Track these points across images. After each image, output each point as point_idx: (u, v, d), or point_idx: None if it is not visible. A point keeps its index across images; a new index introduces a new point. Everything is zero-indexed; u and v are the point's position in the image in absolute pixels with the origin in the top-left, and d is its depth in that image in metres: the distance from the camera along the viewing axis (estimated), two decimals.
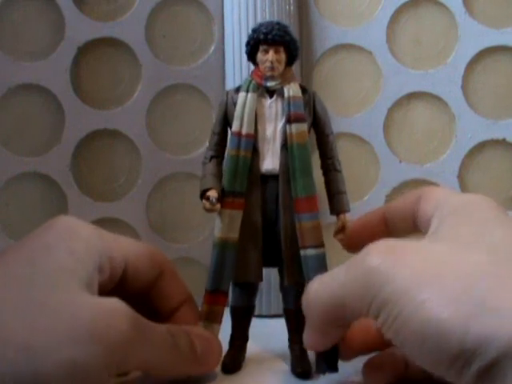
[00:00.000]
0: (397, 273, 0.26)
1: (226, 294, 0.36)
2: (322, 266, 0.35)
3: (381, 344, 0.33)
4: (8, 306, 0.26)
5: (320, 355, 0.34)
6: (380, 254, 0.27)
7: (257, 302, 0.38)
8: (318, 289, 0.30)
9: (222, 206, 0.35)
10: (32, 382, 0.25)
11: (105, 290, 0.32)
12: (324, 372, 0.34)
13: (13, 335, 0.25)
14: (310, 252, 0.35)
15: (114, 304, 0.28)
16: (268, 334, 0.41)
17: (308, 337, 0.32)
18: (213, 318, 0.36)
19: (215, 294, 0.36)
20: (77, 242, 0.30)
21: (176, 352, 0.31)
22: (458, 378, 0.24)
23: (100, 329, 0.27)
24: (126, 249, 0.33)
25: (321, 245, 0.35)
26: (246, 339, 0.37)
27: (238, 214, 0.35)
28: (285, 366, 0.36)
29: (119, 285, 0.33)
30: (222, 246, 0.35)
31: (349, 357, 0.35)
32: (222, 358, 0.35)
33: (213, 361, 0.34)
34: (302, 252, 0.35)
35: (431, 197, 0.33)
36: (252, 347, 0.36)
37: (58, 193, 0.50)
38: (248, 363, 0.37)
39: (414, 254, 0.27)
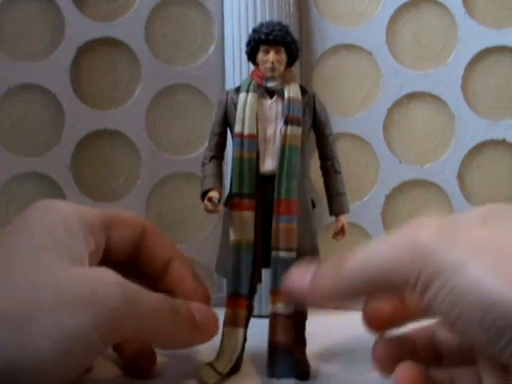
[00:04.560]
0: (452, 245, 0.25)
1: (247, 296, 0.36)
2: (290, 270, 0.35)
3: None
4: None
5: (274, 357, 0.34)
6: (433, 228, 0.26)
7: (256, 302, 0.38)
8: (366, 253, 0.28)
9: (230, 208, 0.35)
10: (18, 349, 0.24)
11: (95, 259, 0.32)
12: (279, 377, 0.34)
13: None
14: (282, 254, 0.35)
15: (100, 271, 0.28)
16: (267, 334, 0.41)
17: (329, 289, 0.29)
18: (236, 323, 0.36)
19: (235, 297, 0.36)
20: (55, 219, 0.30)
21: (173, 319, 0.31)
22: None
23: (85, 295, 0.26)
24: (104, 219, 0.34)
25: (293, 249, 0.35)
26: (245, 339, 0.37)
27: (249, 216, 0.35)
28: None
29: (106, 256, 0.33)
30: (237, 249, 0.35)
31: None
32: (218, 330, 0.34)
33: (211, 328, 0.34)
34: (274, 253, 0.35)
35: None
36: (251, 347, 0.36)
37: (57, 193, 0.50)
38: (247, 363, 0.37)
39: (466, 229, 0.26)
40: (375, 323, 0.32)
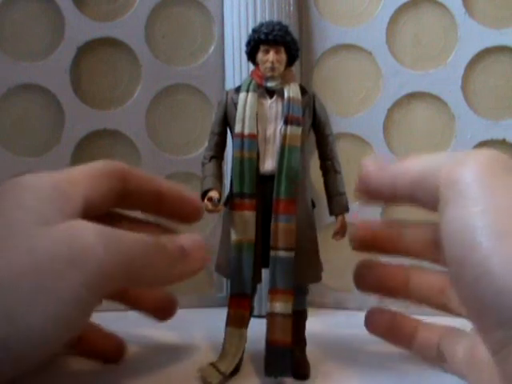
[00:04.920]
0: (489, 195, 0.25)
1: (249, 296, 0.36)
2: (289, 269, 0.35)
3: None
4: None
5: (271, 356, 0.35)
6: (481, 167, 0.26)
7: (256, 302, 0.38)
8: (423, 160, 0.29)
9: (231, 208, 0.35)
10: (5, 320, 0.24)
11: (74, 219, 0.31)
12: (276, 376, 0.34)
13: None
14: (281, 254, 0.35)
15: (72, 224, 0.27)
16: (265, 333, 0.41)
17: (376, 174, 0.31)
18: (239, 323, 0.36)
19: (238, 297, 0.36)
20: (22, 192, 0.29)
21: (161, 251, 0.30)
22: (498, 329, 0.23)
23: (62, 252, 0.26)
24: (77, 177, 0.32)
25: (291, 248, 0.35)
26: (245, 341, 0.37)
27: (250, 215, 0.35)
28: None
29: (89, 213, 0.32)
30: (239, 249, 0.35)
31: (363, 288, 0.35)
32: (209, 257, 0.34)
33: (201, 255, 0.33)
34: (273, 253, 0.35)
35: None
36: (251, 347, 0.36)
37: None
38: (247, 363, 0.37)
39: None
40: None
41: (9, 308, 0.24)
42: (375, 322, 0.35)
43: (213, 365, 0.35)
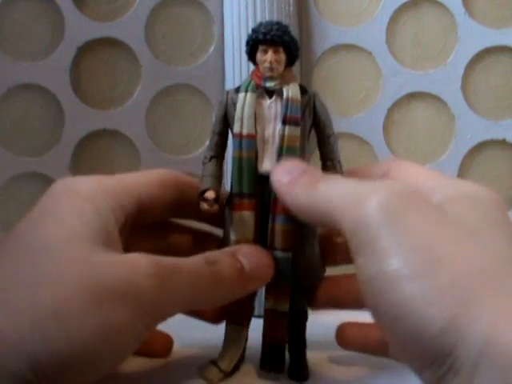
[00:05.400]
0: (393, 235, 0.24)
1: (249, 295, 0.35)
2: (286, 269, 0.35)
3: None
4: (29, 277, 0.26)
5: (267, 352, 0.35)
6: (386, 203, 0.25)
7: (256, 303, 0.38)
8: (322, 188, 0.29)
9: (231, 209, 0.35)
10: (64, 344, 0.25)
11: (126, 230, 0.32)
12: (270, 370, 0.35)
13: (40, 301, 0.25)
14: (278, 254, 0.35)
15: (132, 259, 0.28)
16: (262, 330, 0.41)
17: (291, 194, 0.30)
18: (239, 321, 0.36)
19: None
20: (80, 200, 0.30)
21: (216, 280, 0.30)
22: (426, 370, 0.23)
23: (121, 286, 0.26)
24: (133, 187, 0.33)
25: (289, 249, 0.35)
26: (246, 339, 0.37)
27: (249, 215, 0.35)
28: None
29: (140, 219, 0.33)
30: None
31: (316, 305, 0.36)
32: (273, 271, 0.34)
33: (264, 274, 0.33)
34: (270, 253, 0.35)
35: (408, 175, 0.31)
36: (251, 347, 0.36)
37: None
38: (247, 363, 0.37)
39: (424, 216, 0.25)
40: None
41: (69, 334, 0.25)
42: (345, 336, 0.35)
43: (213, 363, 0.35)
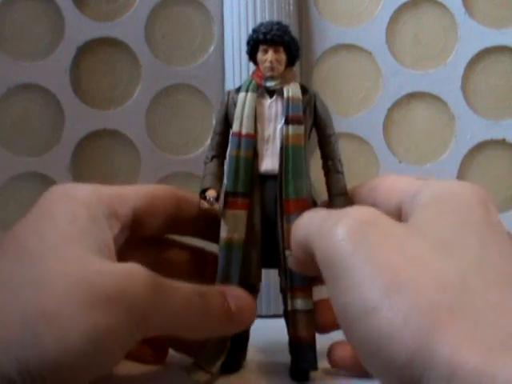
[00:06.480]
0: (356, 263, 0.24)
1: None
2: None
3: None
4: (23, 277, 0.26)
5: (298, 353, 0.35)
6: (349, 231, 0.25)
7: (260, 303, 0.38)
8: (299, 225, 0.30)
9: (225, 207, 0.35)
10: (55, 347, 0.24)
11: (120, 240, 0.32)
12: (303, 369, 0.35)
13: (30, 303, 0.25)
14: None
15: (130, 268, 0.28)
16: (268, 334, 0.41)
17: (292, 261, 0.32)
18: None
19: None
20: (77, 207, 0.30)
21: (204, 313, 0.30)
22: None
23: (117, 293, 0.26)
24: (129, 197, 0.33)
25: None
26: (247, 339, 0.37)
27: (241, 214, 0.35)
28: (285, 367, 0.36)
29: (136, 231, 0.34)
30: (228, 247, 0.35)
31: (324, 330, 0.35)
32: (255, 317, 0.34)
33: (247, 318, 0.33)
34: (288, 252, 0.35)
35: (392, 188, 0.32)
36: (252, 347, 0.36)
37: None
38: (248, 363, 0.37)
39: (386, 242, 0.24)
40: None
41: (62, 338, 0.25)
42: (337, 357, 0.35)
43: (196, 363, 0.35)
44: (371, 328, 0.22)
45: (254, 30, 0.36)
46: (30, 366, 0.24)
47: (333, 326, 0.35)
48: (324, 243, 0.26)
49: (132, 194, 0.34)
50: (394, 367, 0.22)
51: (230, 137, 0.36)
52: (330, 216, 0.27)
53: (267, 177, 0.35)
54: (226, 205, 0.35)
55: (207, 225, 0.37)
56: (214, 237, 0.36)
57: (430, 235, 0.25)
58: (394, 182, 0.33)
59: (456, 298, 0.22)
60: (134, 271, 0.28)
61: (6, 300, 0.26)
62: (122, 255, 0.32)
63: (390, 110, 0.51)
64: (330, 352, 0.35)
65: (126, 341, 0.27)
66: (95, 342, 0.25)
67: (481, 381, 0.19)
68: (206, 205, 0.35)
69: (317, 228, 0.27)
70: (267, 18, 0.47)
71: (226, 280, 0.35)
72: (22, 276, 0.26)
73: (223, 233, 0.35)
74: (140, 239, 0.35)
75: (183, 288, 0.30)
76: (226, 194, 0.35)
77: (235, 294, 0.33)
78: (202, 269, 0.38)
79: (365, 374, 0.34)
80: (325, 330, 0.36)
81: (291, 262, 0.32)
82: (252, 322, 0.34)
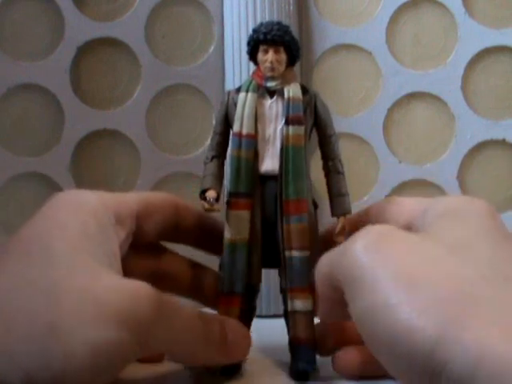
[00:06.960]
0: (376, 269, 0.25)
1: (240, 294, 0.36)
2: (305, 269, 0.35)
3: (356, 340, 0.34)
4: (32, 285, 0.26)
5: (298, 354, 0.35)
6: (367, 244, 0.27)
7: (259, 303, 0.38)
8: (322, 259, 0.31)
9: (227, 208, 0.35)
10: (61, 360, 0.24)
11: (125, 247, 0.33)
12: (302, 370, 0.35)
13: (39, 314, 0.25)
14: (295, 254, 0.35)
15: (138, 287, 0.28)
16: (268, 333, 0.41)
17: (318, 305, 0.33)
18: None
19: (229, 296, 0.35)
20: (85, 215, 0.30)
21: (204, 337, 0.31)
22: None
23: (123, 311, 0.26)
24: (132, 203, 0.34)
25: (306, 248, 0.35)
26: None
27: (244, 215, 0.35)
28: (285, 367, 0.36)
29: (138, 238, 0.34)
30: (232, 248, 0.35)
31: (325, 352, 0.36)
32: (250, 348, 0.35)
33: (241, 353, 0.34)
34: (287, 253, 0.35)
35: (401, 207, 0.34)
36: (252, 347, 0.36)
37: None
38: (248, 363, 0.37)
39: (404, 246, 0.27)
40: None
41: (68, 351, 0.25)
42: (343, 362, 0.35)
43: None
44: (393, 321, 0.23)
45: (255, 30, 0.36)
46: (34, 377, 0.24)
47: (333, 350, 0.35)
48: (346, 260, 0.27)
49: (133, 201, 0.34)
50: (416, 359, 0.22)
51: (231, 137, 0.36)
52: (348, 241, 0.29)
53: (267, 177, 0.35)
54: (228, 206, 0.35)
55: (207, 235, 0.38)
56: (213, 247, 0.37)
57: (445, 240, 0.27)
58: (402, 203, 0.34)
59: (476, 290, 0.23)
60: (141, 291, 0.28)
61: (14, 307, 0.26)
62: (125, 262, 0.32)
63: (390, 110, 0.51)
64: (334, 357, 0.35)
65: (128, 357, 0.27)
66: (101, 358, 0.25)
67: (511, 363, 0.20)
68: (206, 205, 0.35)
69: (338, 254, 0.29)
70: (267, 18, 0.47)
71: (232, 281, 0.35)
72: (30, 284, 0.26)
73: (227, 234, 0.35)
74: (143, 246, 0.36)
75: (189, 312, 0.30)
76: (229, 195, 0.35)
77: (233, 327, 0.33)
78: (200, 283, 0.38)
79: (368, 379, 0.34)
80: (328, 353, 0.36)
81: (319, 311, 0.33)
82: (247, 353, 0.35)
